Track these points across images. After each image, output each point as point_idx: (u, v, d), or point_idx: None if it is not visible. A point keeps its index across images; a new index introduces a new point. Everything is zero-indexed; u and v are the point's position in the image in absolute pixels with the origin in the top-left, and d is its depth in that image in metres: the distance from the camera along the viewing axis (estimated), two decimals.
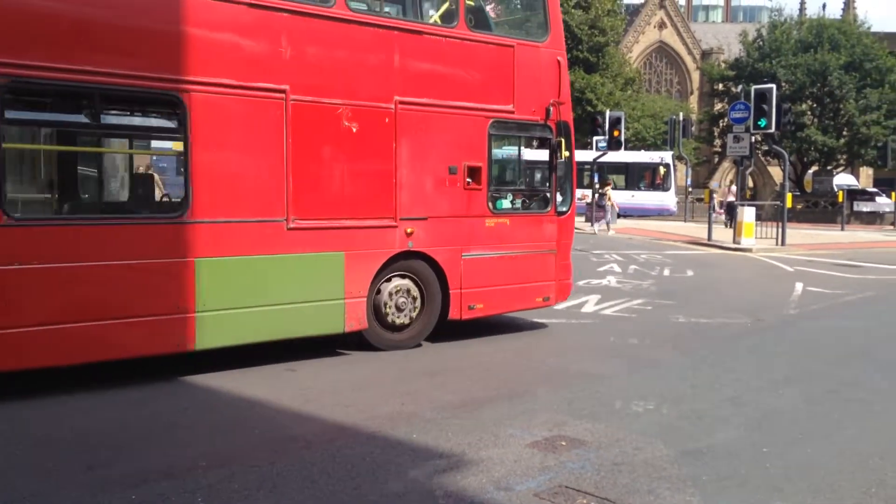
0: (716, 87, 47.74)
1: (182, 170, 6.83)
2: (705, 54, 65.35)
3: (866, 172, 56.96)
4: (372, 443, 5.16)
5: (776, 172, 51.56)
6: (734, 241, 21.15)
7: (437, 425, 5.54)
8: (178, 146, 6.84)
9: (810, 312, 11.03)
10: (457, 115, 8.44)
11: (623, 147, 26.98)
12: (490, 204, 8.79)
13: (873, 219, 37.98)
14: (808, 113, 41.65)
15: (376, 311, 8.04)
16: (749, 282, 14.86)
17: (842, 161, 44.85)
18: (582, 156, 33.09)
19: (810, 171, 45.19)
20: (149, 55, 6.51)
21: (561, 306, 10.20)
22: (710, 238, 22.44)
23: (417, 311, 8.31)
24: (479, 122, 8.63)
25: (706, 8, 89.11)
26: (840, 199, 34.37)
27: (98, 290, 6.28)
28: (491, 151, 8.84)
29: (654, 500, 4.29)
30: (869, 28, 44.49)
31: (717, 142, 45.83)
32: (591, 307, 10.94)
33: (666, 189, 36.70)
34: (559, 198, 9.42)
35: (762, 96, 20.28)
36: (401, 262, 8.16)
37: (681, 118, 30.38)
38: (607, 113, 26.82)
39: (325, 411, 5.88)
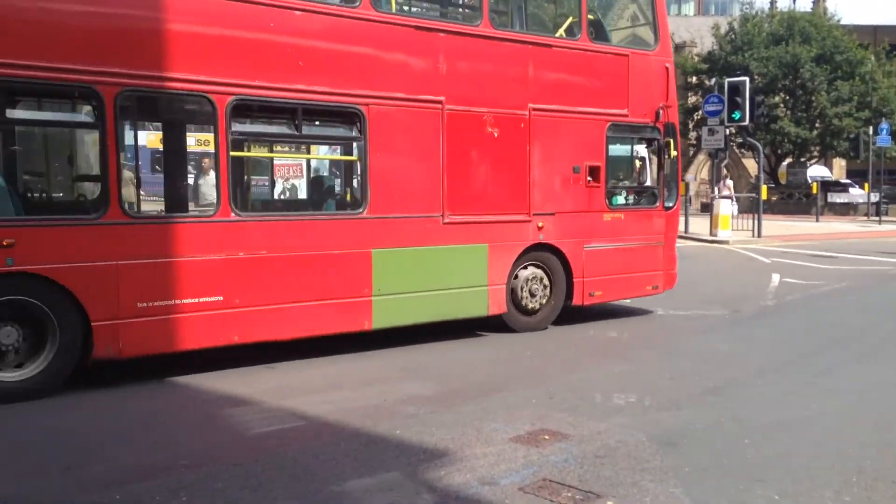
0: (689, 80, 47.22)
1: (360, 171, 7.81)
2: (678, 47, 69.38)
3: (839, 164, 56.88)
4: (355, 439, 5.09)
5: (751, 165, 49.65)
6: (711, 234, 21.34)
7: (419, 420, 5.49)
8: (357, 152, 7.80)
9: (787, 303, 11.13)
10: (579, 120, 9.32)
11: None
12: (607, 200, 9.68)
13: (847, 210, 38.34)
14: (781, 105, 41.85)
15: (513, 297, 8.98)
16: (726, 274, 14.97)
17: (815, 153, 45.13)
18: None
19: (784, 163, 45.47)
20: (338, 73, 7.48)
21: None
22: (686, 231, 22.25)
23: (547, 297, 9.24)
24: (598, 125, 9.51)
25: (678, 1, 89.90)
26: (814, 191, 34.64)
27: (301, 276, 7.29)
28: (608, 152, 9.71)
29: (637, 492, 4.27)
30: (839, 21, 44.75)
31: (692, 135, 45.13)
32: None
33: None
34: (666, 194, 10.27)
35: (735, 89, 20.39)
36: (533, 252, 9.08)
37: None
38: None
39: (307, 408, 5.78)
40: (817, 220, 31.78)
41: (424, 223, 8.13)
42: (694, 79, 46.00)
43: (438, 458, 4.77)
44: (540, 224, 9.01)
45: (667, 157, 10.17)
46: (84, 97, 6.24)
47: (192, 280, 6.68)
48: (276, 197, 7.77)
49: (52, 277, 6.02)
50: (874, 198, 35.01)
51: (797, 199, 39.61)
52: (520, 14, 9.60)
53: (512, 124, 8.73)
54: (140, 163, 6.78)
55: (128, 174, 6.44)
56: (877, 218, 33.25)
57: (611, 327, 9.39)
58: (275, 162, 7.72)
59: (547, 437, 5.17)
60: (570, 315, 9.60)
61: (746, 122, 20.68)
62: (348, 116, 7.64)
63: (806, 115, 41.50)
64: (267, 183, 7.84)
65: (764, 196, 24.27)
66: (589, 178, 9.42)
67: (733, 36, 43.71)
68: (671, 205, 10.36)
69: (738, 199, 27.59)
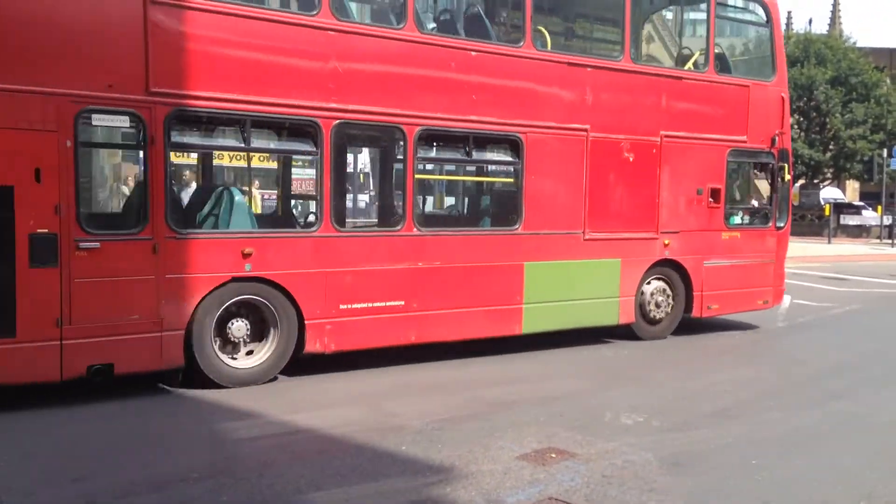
0: None
1: (517, 192, 8.74)
2: None
3: (852, 186, 56.63)
4: (361, 454, 5.09)
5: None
6: None
7: (426, 437, 5.46)
8: (515, 174, 8.73)
9: (798, 325, 11.15)
10: (704, 145, 10.10)
11: None
12: (725, 220, 10.44)
13: (859, 232, 38.23)
14: (796, 126, 41.44)
15: (640, 308, 9.82)
16: None
17: (828, 174, 45.02)
18: None
19: (797, 185, 44.84)
20: (502, 105, 8.41)
21: None
22: None
23: (670, 308, 10.06)
24: (720, 150, 10.27)
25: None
26: (827, 213, 34.39)
27: (466, 285, 8.25)
28: (727, 175, 10.46)
29: None
30: (854, 43, 44.74)
31: None
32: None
33: None
34: (778, 215, 10.99)
35: None
36: (658, 267, 9.90)
37: None
38: None
39: (314, 422, 5.78)
40: (829, 242, 31.72)
41: (568, 239, 9.02)
42: None
43: (445, 476, 4.72)
44: (666, 241, 9.83)
45: (780, 180, 10.88)
46: (307, 129, 7.29)
47: (381, 286, 7.69)
48: (446, 214, 8.72)
49: (277, 281, 7.08)
50: (887, 220, 34.80)
51: (809, 221, 39.34)
52: (647, 48, 10.39)
53: (645, 150, 9.56)
54: (346, 183, 7.77)
55: (337, 193, 7.46)
56: (889, 241, 33.07)
57: (620, 346, 9.41)
58: (445, 183, 8.67)
59: (554, 456, 5.14)
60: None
61: None
62: (509, 143, 8.57)
63: (820, 137, 41.54)
64: (439, 201, 8.79)
65: None
66: (710, 199, 10.19)
67: None
68: (782, 225, 11.07)
69: None
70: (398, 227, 7.88)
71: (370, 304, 7.64)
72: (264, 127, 7.22)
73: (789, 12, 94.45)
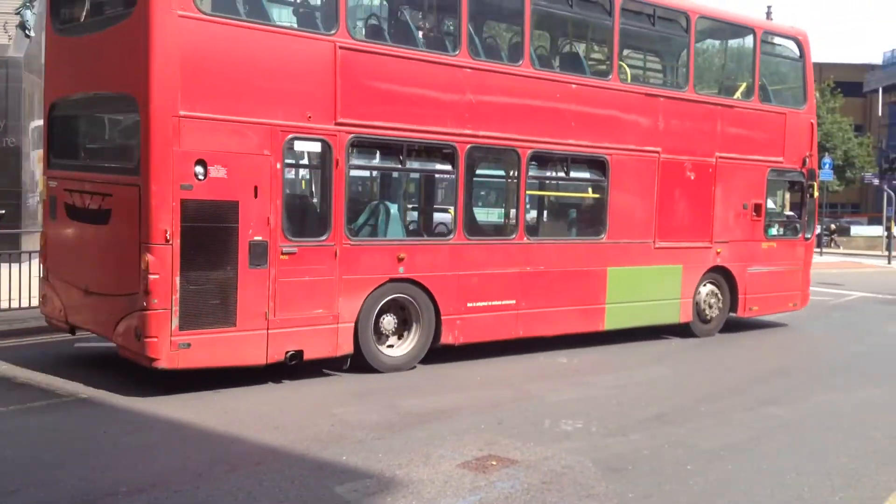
0: None
1: (603, 206, 10.08)
2: None
3: (785, 196, 59.95)
4: (300, 465, 5.00)
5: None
6: None
7: (366, 446, 5.43)
8: (601, 191, 10.09)
9: (731, 332, 11.38)
10: (749, 165, 11.56)
11: None
12: (764, 231, 11.93)
13: None
14: None
15: (696, 308, 11.26)
16: None
17: None
18: None
19: None
20: (593, 130, 9.74)
21: None
22: None
23: (719, 309, 11.52)
24: (761, 169, 11.74)
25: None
26: None
27: (563, 287, 9.56)
28: (767, 191, 11.95)
29: None
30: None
31: None
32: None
33: None
34: (806, 227, 12.53)
35: None
36: (711, 273, 11.34)
37: None
38: None
39: (252, 433, 5.68)
40: None
41: (642, 247, 10.40)
42: None
43: (385, 484, 4.72)
44: (718, 250, 11.27)
45: (809, 196, 12.41)
46: (447, 151, 8.54)
47: (498, 287, 8.97)
48: (546, 225, 10.03)
49: (421, 282, 8.32)
50: (817, 230, 37.34)
51: None
52: (705, 80, 11.82)
53: (703, 169, 10.98)
54: (473, 198, 9.03)
55: (467, 206, 8.73)
56: (818, 249, 33.74)
57: (560, 354, 9.27)
58: (548, 198, 9.98)
59: (494, 463, 5.17)
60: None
61: None
62: (598, 164, 9.91)
63: None
64: (542, 213, 10.10)
65: None
66: (753, 213, 11.66)
67: None
68: (809, 236, 12.62)
69: None
70: (513, 237, 9.17)
71: (490, 303, 8.92)
72: (415, 150, 8.45)
73: None
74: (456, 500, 4.56)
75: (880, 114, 56.91)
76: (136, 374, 6.94)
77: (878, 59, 65.51)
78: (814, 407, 7.38)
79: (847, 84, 52.37)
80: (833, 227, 36.97)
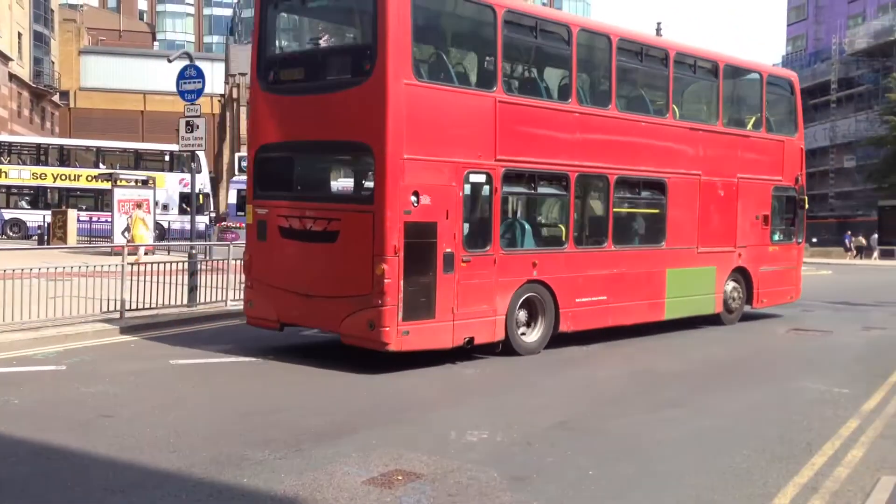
0: None
1: (662, 219, 12.56)
2: None
3: None
4: (199, 489, 4.82)
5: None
6: None
7: (267, 467, 5.27)
8: (662, 207, 12.57)
9: (630, 335, 11.70)
10: (759, 184, 14.27)
11: None
12: (770, 237, 14.69)
13: None
14: None
15: (724, 301, 13.90)
16: None
17: None
18: None
19: None
20: (656, 158, 12.23)
21: None
22: None
23: (740, 302, 14.20)
24: (767, 187, 14.49)
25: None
26: None
27: (637, 285, 11.96)
28: (772, 204, 14.72)
29: None
30: None
31: None
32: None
33: None
34: (798, 233, 15.39)
35: None
36: (734, 272, 14.00)
37: None
38: None
39: (149, 458, 5.40)
40: None
41: (688, 252, 12.92)
42: None
43: None
44: (739, 253, 13.92)
45: (800, 208, 15.26)
46: (563, 179, 10.85)
47: (596, 286, 11.29)
48: (625, 235, 12.43)
49: (547, 282, 10.56)
50: None
51: None
52: (729, 115, 14.51)
53: (729, 188, 13.61)
54: (581, 216, 11.32)
55: (577, 221, 11.04)
56: None
57: (465, 365, 9.33)
58: (626, 213, 12.40)
59: (400, 478, 5.10)
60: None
61: None
62: (659, 185, 12.39)
63: None
64: (623, 226, 12.49)
65: None
66: (762, 223, 14.38)
67: None
68: (800, 241, 15.47)
69: None
70: (604, 245, 11.52)
71: (591, 299, 11.23)
72: (542, 178, 10.71)
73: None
74: None
75: None
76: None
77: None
78: (709, 408, 7.58)
79: None
80: None
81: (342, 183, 11.27)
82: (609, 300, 11.47)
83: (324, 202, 9.55)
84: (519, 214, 10.90)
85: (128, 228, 22.70)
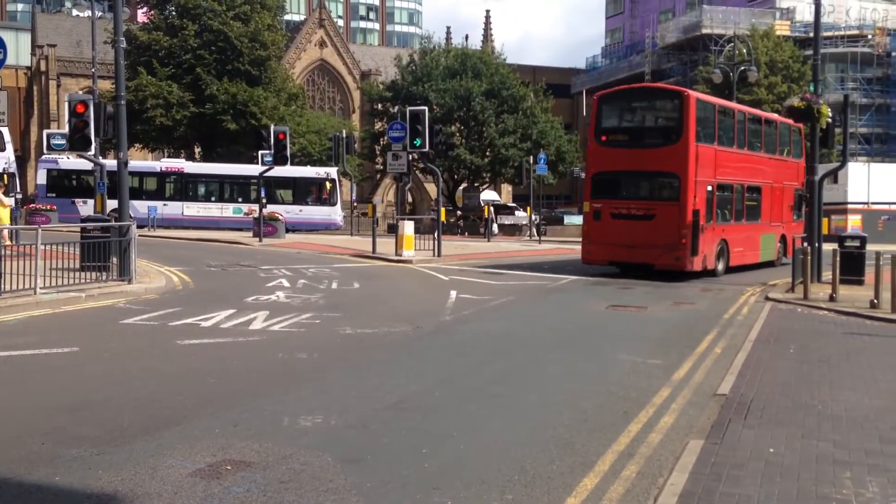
0: (375, 106, 47.86)
1: (760, 207, 23.09)
2: (364, 75, 64.42)
3: (506, 189, 60.24)
4: (3, 491, 4.57)
5: (432, 188, 51.34)
6: (396, 254, 21.88)
7: (83, 463, 5.00)
8: (759, 200, 23.20)
9: (462, 318, 11.72)
10: (790, 187, 24.76)
11: (289, 162, 27.69)
12: (794, 217, 25.71)
13: (513, 230, 41.48)
14: (458, 134, 43.72)
15: (778, 253, 24.78)
16: (410, 292, 15.65)
17: (487, 178, 47.89)
18: (249, 170, 34.77)
19: (461, 188, 47.79)
20: (756, 173, 22.68)
21: (229, 324, 10.47)
22: (374, 251, 23.23)
23: (783, 254, 25.11)
24: (792, 189, 25.28)
25: (364, 31, 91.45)
26: (486, 214, 37.50)
27: (752, 242, 22.30)
28: (794, 199, 25.73)
29: None
30: (505, 59, 48.07)
31: (379, 159, 45.31)
32: (260, 324, 10.65)
33: (332, 204, 37.22)
34: (801, 215, 26.39)
35: (416, 117, 21.72)
36: (781, 238, 24.97)
37: (344, 135, 32.59)
38: (272, 127, 27.73)
39: None
40: (489, 240, 34.61)
41: (766, 226, 23.33)
42: (379, 105, 47.39)
43: (106, 503, 4.43)
44: (783, 226, 24.85)
45: (804, 201, 26.34)
46: (737, 187, 21.35)
47: (741, 242, 21.63)
48: (746, 215, 22.21)
49: (726, 238, 20.65)
50: (535, 219, 37.88)
51: (472, 221, 42.00)
52: (773, 146, 25.15)
53: (778, 190, 24.13)
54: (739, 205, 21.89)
55: (737, 209, 21.68)
56: (537, 238, 35.21)
57: (300, 349, 9.12)
58: (748, 204, 22.73)
59: (229, 468, 4.98)
60: (240, 333, 10.02)
61: (427, 149, 22.17)
62: (759, 189, 22.90)
63: (478, 144, 44.15)
64: (746, 210, 22.86)
65: (443, 218, 25.44)
66: (790, 210, 25.20)
67: (414, 67, 45.70)
68: (801, 219, 26.56)
69: (420, 221, 27.51)
70: (742, 221, 21.90)
71: (739, 249, 21.45)
72: (732, 188, 21.16)
73: (448, 27, 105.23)
74: None
75: (585, 113, 59.55)
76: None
77: (582, 64, 74.23)
78: (533, 382, 7.70)
79: (557, 86, 54.61)
80: (540, 218, 38.40)
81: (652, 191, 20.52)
82: (744, 251, 21.98)
83: (644, 200, 19.51)
84: (718, 205, 21.02)
85: None
